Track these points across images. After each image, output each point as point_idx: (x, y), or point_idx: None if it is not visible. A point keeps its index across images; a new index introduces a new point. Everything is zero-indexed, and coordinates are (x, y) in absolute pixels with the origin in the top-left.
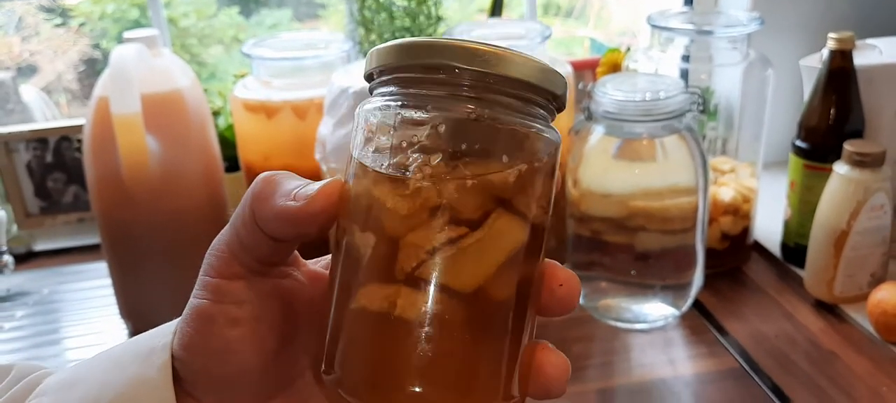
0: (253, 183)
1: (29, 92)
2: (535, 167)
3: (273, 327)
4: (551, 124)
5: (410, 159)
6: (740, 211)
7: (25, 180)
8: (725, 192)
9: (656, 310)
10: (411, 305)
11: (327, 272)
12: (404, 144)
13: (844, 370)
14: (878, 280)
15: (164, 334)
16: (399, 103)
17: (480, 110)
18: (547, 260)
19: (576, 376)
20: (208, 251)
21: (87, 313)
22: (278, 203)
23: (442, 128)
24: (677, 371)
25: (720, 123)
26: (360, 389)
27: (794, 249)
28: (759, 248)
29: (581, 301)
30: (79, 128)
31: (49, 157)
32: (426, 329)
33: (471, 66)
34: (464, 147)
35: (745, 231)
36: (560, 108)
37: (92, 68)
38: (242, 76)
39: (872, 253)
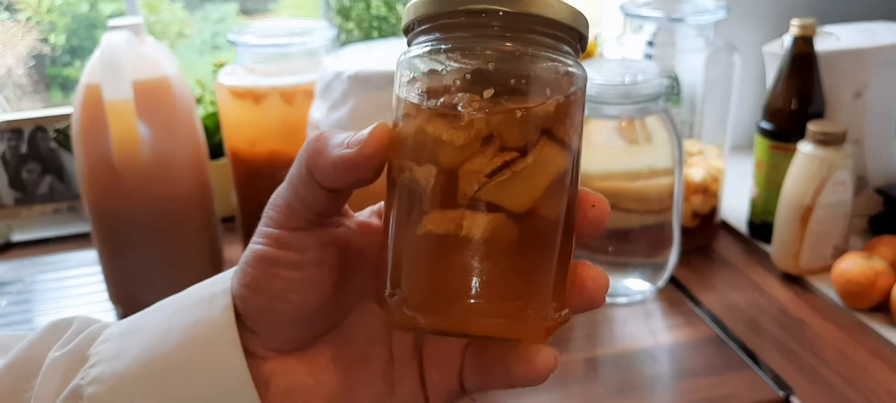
0: (305, 143)
1: None
2: (571, 99)
3: (331, 271)
4: (579, 61)
5: (460, 97)
6: (709, 191)
7: (0, 171)
8: (696, 173)
9: (635, 285)
10: (475, 224)
11: (373, 221)
12: (453, 84)
13: (812, 334)
14: (840, 251)
15: (224, 280)
16: (444, 46)
17: (521, 48)
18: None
19: (562, 347)
20: (267, 206)
21: (70, 300)
22: (334, 153)
23: (490, 66)
24: (657, 340)
25: (683, 108)
26: (426, 304)
27: (761, 226)
28: (726, 227)
29: None
30: (54, 119)
31: (24, 148)
32: (488, 245)
33: (510, 8)
34: (512, 83)
35: (714, 209)
36: (584, 48)
37: (41, 62)
38: (221, 65)
39: (835, 227)
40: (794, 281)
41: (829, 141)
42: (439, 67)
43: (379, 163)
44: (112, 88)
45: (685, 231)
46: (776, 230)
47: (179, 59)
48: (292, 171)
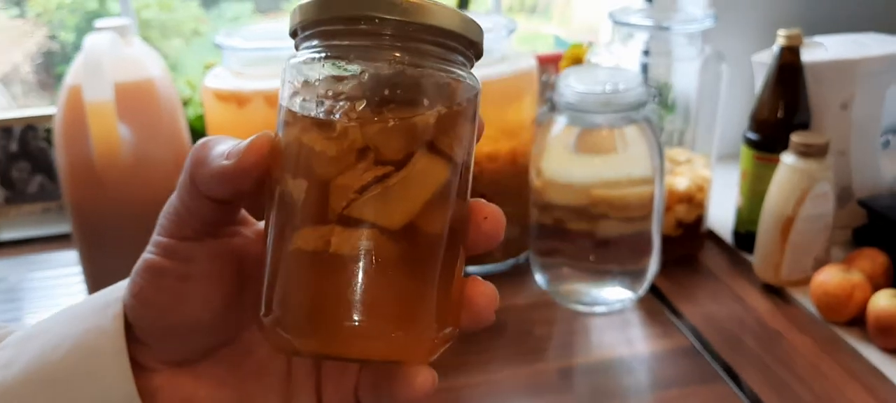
0: (190, 150)
1: None
2: (456, 110)
3: (221, 283)
4: (470, 71)
5: (337, 106)
6: (695, 200)
7: None
8: (681, 181)
9: (614, 294)
10: (344, 242)
11: None
12: (330, 93)
13: (788, 348)
14: (821, 263)
15: (119, 289)
16: (324, 55)
17: (401, 57)
18: (473, 199)
19: (537, 356)
20: (161, 213)
21: (54, 299)
22: (213, 164)
23: (365, 76)
24: (634, 349)
25: (678, 117)
26: (298, 326)
27: (745, 236)
28: (712, 237)
29: (544, 285)
30: (45, 118)
31: (14, 147)
32: (360, 264)
33: (390, 15)
34: (387, 93)
35: (700, 219)
36: (478, 55)
37: (49, 60)
38: (211, 66)
39: (816, 239)
40: (774, 292)
41: (811, 152)
42: (316, 75)
43: (259, 175)
44: (92, 89)
45: (669, 240)
46: (758, 241)
47: (193, 57)
48: (180, 179)
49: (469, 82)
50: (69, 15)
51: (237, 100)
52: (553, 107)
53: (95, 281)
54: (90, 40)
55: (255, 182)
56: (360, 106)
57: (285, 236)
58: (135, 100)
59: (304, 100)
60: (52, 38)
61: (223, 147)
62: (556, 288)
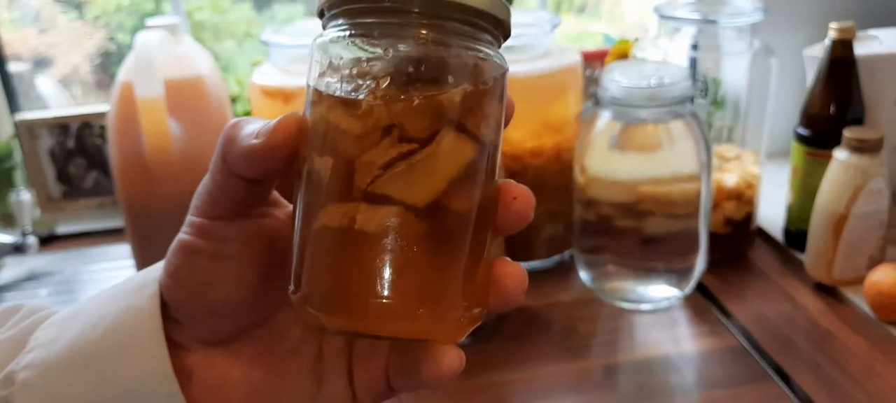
0: (222, 131)
1: (45, 83)
2: (482, 89)
3: (254, 263)
4: (498, 51)
5: (362, 84)
6: (744, 197)
7: (48, 165)
8: (729, 178)
9: (660, 292)
10: (370, 219)
11: None
12: (356, 71)
13: (841, 347)
14: (875, 263)
15: (156, 269)
16: (350, 33)
17: (427, 35)
18: (502, 179)
19: (582, 353)
20: (195, 194)
21: None
22: (243, 143)
23: (391, 54)
24: (680, 348)
25: (727, 113)
26: (325, 303)
27: (796, 234)
28: (762, 235)
29: (588, 283)
30: (100, 115)
31: (71, 143)
32: (385, 241)
33: None
34: (413, 71)
35: (749, 217)
36: (505, 35)
37: (107, 60)
38: (259, 63)
39: (870, 237)
40: (826, 291)
41: (864, 148)
42: (342, 54)
43: (287, 154)
44: (144, 86)
45: (717, 238)
46: (810, 239)
47: (244, 58)
48: (213, 160)
49: (496, 61)
50: (126, 17)
51: (283, 96)
52: (597, 102)
53: None
54: (141, 38)
55: (283, 161)
56: (386, 84)
57: (312, 213)
58: (185, 96)
59: (330, 78)
60: (110, 39)
61: (253, 127)
62: (600, 286)
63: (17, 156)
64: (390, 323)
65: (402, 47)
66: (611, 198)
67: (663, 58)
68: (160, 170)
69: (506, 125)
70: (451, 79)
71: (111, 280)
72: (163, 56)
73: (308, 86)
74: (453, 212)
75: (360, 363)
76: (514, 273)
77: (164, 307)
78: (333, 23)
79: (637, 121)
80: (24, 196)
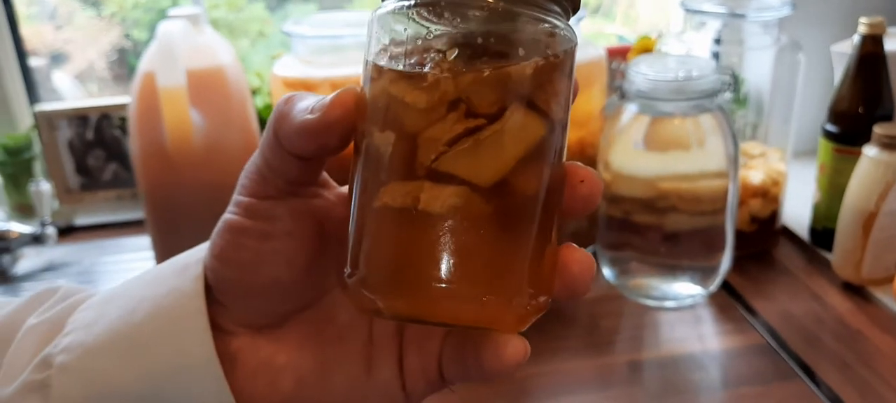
0: (275, 107)
1: (61, 78)
2: (552, 63)
3: (303, 243)
4: (568, 23)
5: (428, 56)
6: (769, 195)
7: (67, 157)
8: (755, 175)
9: (685, 290)
10: (434, 198)
11: None
12: (421, 43)
13: (870, 347)
14: None
15: (199, 251)
16: (414, 3)
17: (495, 4)
18: (568, 162)
19: (606, 348)
20: (242, 173)
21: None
22: (297, 119)
23: (458, 25)
24: (705, 346)
25: (750, 110)
26: (384, 285)
27: (823, 233)
28: (787, 233)
29: (612, 279)
30: (120, 107)
31: (90, 135)
32: (449, 222)
33: None
34: (480, 42)
35: (774, 214)
36: (575, 8)
37: (123, 57)
38: (278, 56)
39: None
40: (855, 290)
41: (895, 145)
42: (407, 25)
43: (344, 130)
44: (166, 75)
45: (743, 236)
46: (837, 237)
47: (258, 57)
48: (263, 136)
49: (566, 34)
50: (143, 14)
51: (305, 87)
52: (623, 96)
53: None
54: (163, 27)
55: (340, 137)
56: (452, 55)
57: (371, 192)
58: (206, 86)
59: (392, 52)
60: (126, 36)
61: (307, 102)
62: (624, 282)
63: (37, 148)
64: (453, 308)
65: (468, 19)
66: (635, 194)
67: (687, 53)
68: (181, 160)
69: (572, 103)
70: (521, 51)
71: (129, 271)
72: (185, 46)
73: (366, 61)
74: (521, 193)
75: (411, 350)
76: (581, 259)
77: (208, 290)
78: None
79: (664, 115)
80: (43, 186)
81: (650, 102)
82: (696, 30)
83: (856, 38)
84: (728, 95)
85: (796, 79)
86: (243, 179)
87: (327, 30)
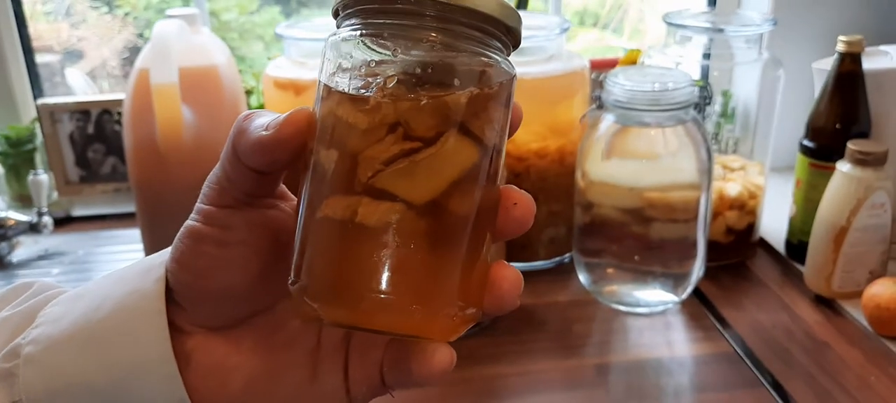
0: (235, 121)
1: (74, 75)
2: (488, 93)
3: (257, 251)
4: (507, 58)
5: (372, 82)
6: (746, 207)
7: (67, 149)
8: (732, 187)
9: (657, 296)
10: (371, 213)
11: None
12: (366, 70)
13: (836, 360)
14: (876, 277)
15: (163, 254)
16: (362, 32)
17: (436, 38)
18: (504, 185)
19: (575, 351)
20: (205, 182)
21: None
22: (253, 135)
23: (401, 54)
24: (673, 352)
25: (737, 125)
26: (323, 293)
27: (798, 246)
28: (765, 245)
29: (587, 285)
30: (119, 103)
31: (90, 129)
32: (384, 236)
33: None
34: (421, 72)
35: (751, 227)
36: (515, 44)
37: (135, 55)
38: (275, 57)
39: (871, 251)
40: (825, 303)
41: (868, 161)
42: (355, 52)
43: (295, 147)
44: (159, 73)
45: (719, 246)
46: (810, 250)
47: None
48: (224, 149)
49: (503, 67)
50: (155, 14)
51: (295, 88)
52: (600, 106)
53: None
54: (159, 26)
55: (291, 153)
56: (394, 82)
57: (315, 205)
58: (199, 85)
59: (340, 76)
60: (139, 35)
61: (264, 120)
62: (598, 288)
63: (38, 140)
64: (385, 317)
65: (411, 49)
66: (610, 202)
67: (675, 67)
68: (172, 156)
69: (513, 131)
70: (457, 82)
71: (121, 261)
72: (180, 45)
73: (319, 82)
74: (452, 213)
75: (355, 358)
76: (510, 276)
77: (169, 291)
78: (347, 22)
79: (639, 125)
80: (41, 177)
81: (626, 112)
82: (680, 44)
83: (834, 56)
84: (715, 108)
85: (776, 94)
86: (205, 188)
87: (318, 33)
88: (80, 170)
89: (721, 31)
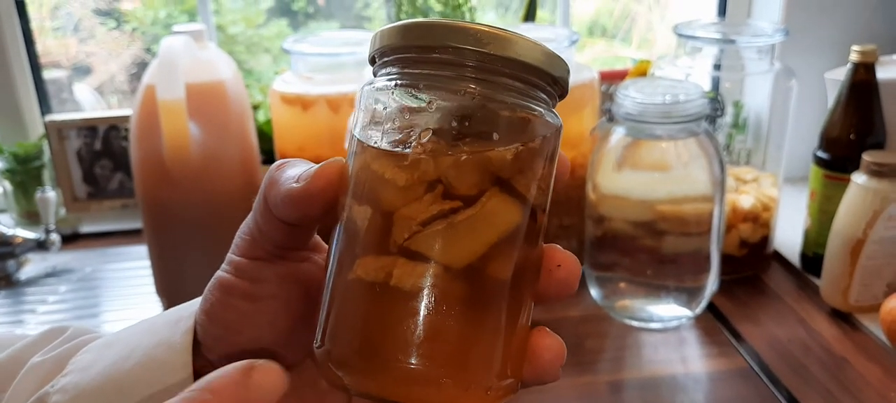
0: (267, 171)
1: (83, 90)
2: (533, 148)
3: (288, 306)
4: (552, 108)
5: (410, 135)
6: (760, 220)
7: (75, 166)
8: (745, 200)
9: (670, 311)
10: (407, 275)
11: None
12: (405, 122)
13: (854, 375)
14: (894, 290)
15: (193, 304)
16: (400, 83)
17: (478, 90)
18: (547, 244)
19: (588, 368)
20: (238, 232)
21: (124, 290)
22: (284, 186)
23: (441, 107)
24: (688, 368)
25: (749, 136)
26: (350, 361)
27: (813, 259)
28: (779, 258)
29: (598, 300)
30: (127, 119)
31: (98, 145)
32: (417, 301)
33: (468, 46)
34: (463, 125)
35: (765, 239)
36: (562, 94)
37: (143, 71)
38: (282, 72)
39: (889, 263)
40: (842, 318)
41: (884, 172)
42: (392, 103)
43: (326, 201)
44: (165, 89)
45: (732, 260)
46: (826, 263)
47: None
48: (256, 199)
49: (548, 119)
50: (162, 29)
51: (302, 103)
52: (611, 119)
53: (161, 271)
54: (166, 42)
55: (323, 207)
56: (430, 136)
57: (345, 264)
58: (206, 100)
59: (376, 127)
60: (147, 50)
61: (295, 171)
62: (610, 303)
63: (46, 156)
64: (415, 389)
65: (449, 100)
66: (622, 216)
67: (685, 78)
68: (179, 172)
69: (559, 185)
70: (497, 135)
71: (129, 278)
72: (186, 61)
73: (352, 135)
74: (491, 277)
75: None
76: (553, 346)
77: (197, 344)
78: (383, 71)
79: (650, 138)
80: (49, 194)
81: (637, 125)
82: (690, 55)
83: (848, 66)
84: (727, 119)
85: (789, 104)
86: (237, 239)
87: (325, 47)
88: (87, 186)
89: (733, 42)
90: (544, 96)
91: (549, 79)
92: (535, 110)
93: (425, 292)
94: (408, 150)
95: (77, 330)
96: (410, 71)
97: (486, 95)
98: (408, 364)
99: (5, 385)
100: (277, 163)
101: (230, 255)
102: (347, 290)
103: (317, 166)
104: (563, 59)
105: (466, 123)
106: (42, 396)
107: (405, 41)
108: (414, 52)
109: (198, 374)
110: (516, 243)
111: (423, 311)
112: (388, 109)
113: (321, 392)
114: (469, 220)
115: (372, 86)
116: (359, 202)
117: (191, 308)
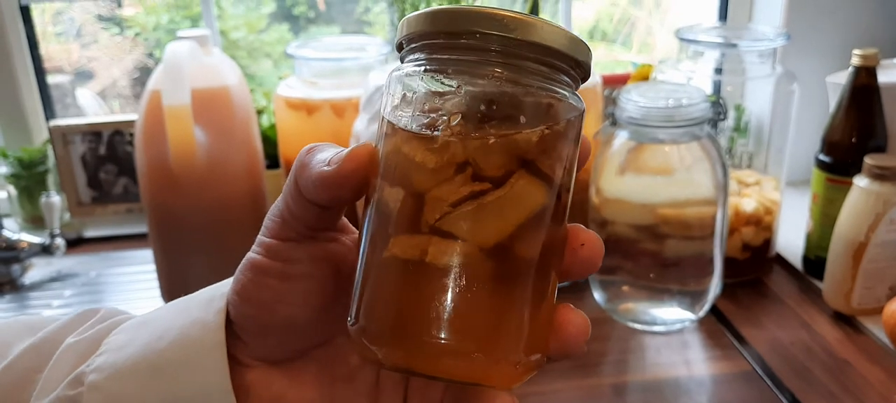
0: (298, 155)
1: (85, 95)
2: (558, 130)
3: (319, 285)
4: (576, 92)
5: (439, 119)
6: (762, 223)
7: (79, 171)
8: (748, 203)
9: (673, 314)
10: (441, 253)
11: None
12: (433, 106)
13: (857, 378)
14: None
15: (225, 285)
16: (428, 68)
17: (505, 74)
18: (570, 224)
19: (591, 370)
20: (267, 215)
21: (129, 294)
22: (315, 169)
23: (468, 91)
24: (691, 371)
25: (751, 139)
26: (383, 336)
27: (815, 262)
28: (781, 261)
29: (602, 303)
30: (131, 124)
31: (102, 150)
32: (451, 278)
33: (493, 31)
34: (490, 109)
35: (767, 243)
36: (584, 77)
37: (145, 75)
38: (286, 77)
39: (891, 266)
40: (845, 320)
41: (886, 175)
42: (421, 88)
43: (357, 183)
44: (171, 94)
45: (735, 263)
46: (828, 267)
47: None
48: (286, 183)
49: (571, 102)
50: (165, 34)
51: (307, 108)
52: (614, 123)
53: (167, 278)
54: (171, 48)
55: (353, 189)
56: (458, 119)
57: (378, 244)
58: (211, 106)
59: (406, 111)
60: (149, 55)
61: (326, 154)
62: (614, 306)
63: (51, 161)
64: (446, 363)
65: (476, 84)
66: (625, 219)
67: (688, 82)
68: (184, 177)
69: (581, 167)
70: (523, 119)
71: (134, 283)
72: (192, 66)
73: (382, 118)
74: (519, 255)
75: (415, 395)
76: (577, 321)
77: (230, 323)
78: (411, 57)
79: (654, 141)
80: (53, 198)
81: (640, 129)
82: (692, 59)
83: (849, 69)
84: (729, 123)
85: (791, 108)
86: (267, 221)
87: (329, 53)
88: (92, 191)
89: (734, 46)
90: (568, 80)
91: (572, 63)
92: (559, 93)
93: (457, 270)
94: (437, 134)
95: (109, 311)
96: (438, 57)
97: (512, 79)
98: (440, 338)
99: (42, 365)
100: (307, 147)
101: (260, 237)
102: (382, 268)
103: (347, 150)
104: (586, 44)
105: (494, 107)
106: (78, 375)
107: (433, 27)
108: (442, 38)
109: (230, 354)
110: (543, 223)
111: (455, 288)
112: (416, 94)
113: (351, 368)
114: (498, 201)
115: (400, 72)
116: (390, 184)
117: (222, 288)
